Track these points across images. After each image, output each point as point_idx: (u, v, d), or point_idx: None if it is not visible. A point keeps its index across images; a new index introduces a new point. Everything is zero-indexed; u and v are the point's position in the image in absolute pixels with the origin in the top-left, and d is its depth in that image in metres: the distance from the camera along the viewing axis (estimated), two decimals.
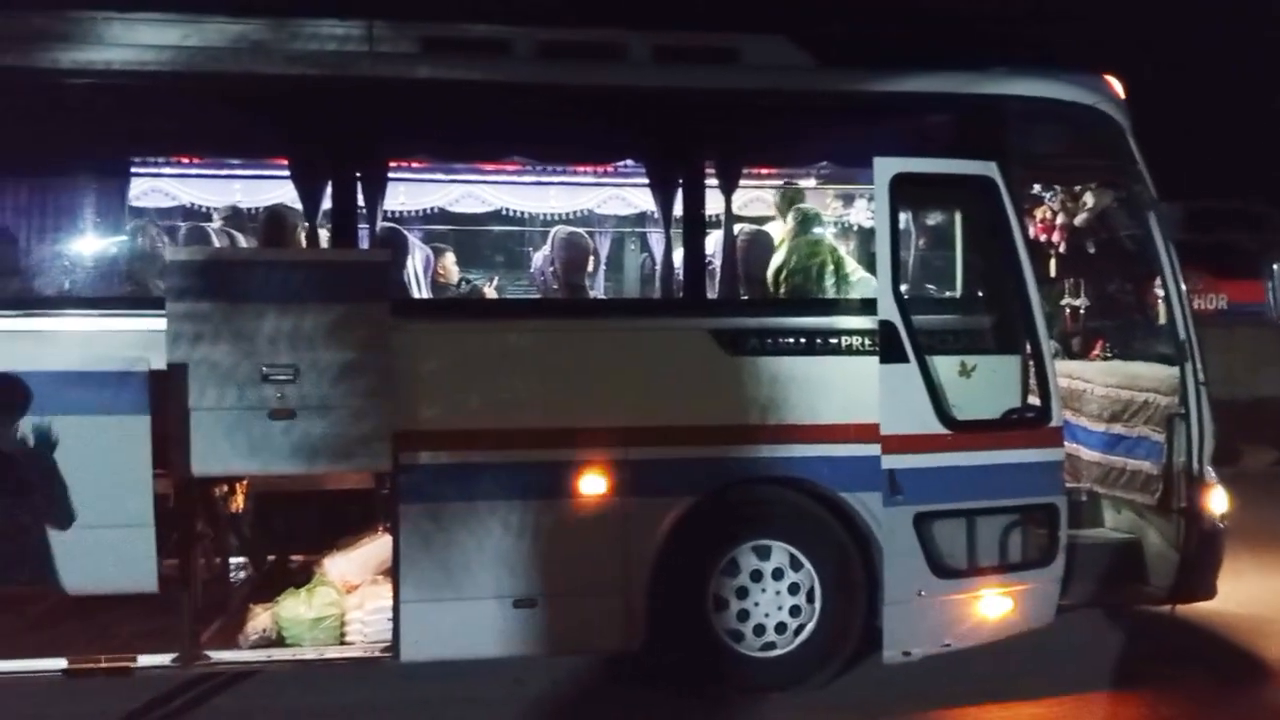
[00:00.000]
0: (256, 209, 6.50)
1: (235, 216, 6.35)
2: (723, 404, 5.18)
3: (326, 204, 5.13)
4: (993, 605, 5.27)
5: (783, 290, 5.70)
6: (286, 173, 5.50)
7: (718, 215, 5.61)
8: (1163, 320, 5.79)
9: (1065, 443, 5.60)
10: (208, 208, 6.57)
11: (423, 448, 4.94)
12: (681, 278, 5.43)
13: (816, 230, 5.91)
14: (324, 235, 5.45)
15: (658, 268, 6.42)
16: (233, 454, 4.63)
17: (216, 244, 5.87)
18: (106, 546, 4.52)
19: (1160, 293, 5.74)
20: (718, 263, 5.61)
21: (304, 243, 5.69)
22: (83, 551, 4.52)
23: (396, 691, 5.30)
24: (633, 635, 5.11)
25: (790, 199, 6.21)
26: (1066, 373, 6.22)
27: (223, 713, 5.06)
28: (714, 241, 5.70)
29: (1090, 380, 6.27)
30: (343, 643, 5.16)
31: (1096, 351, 6.60)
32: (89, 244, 5.11)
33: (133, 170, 5.56)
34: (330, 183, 5.07)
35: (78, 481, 4.51)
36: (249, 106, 4.95)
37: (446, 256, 6.80)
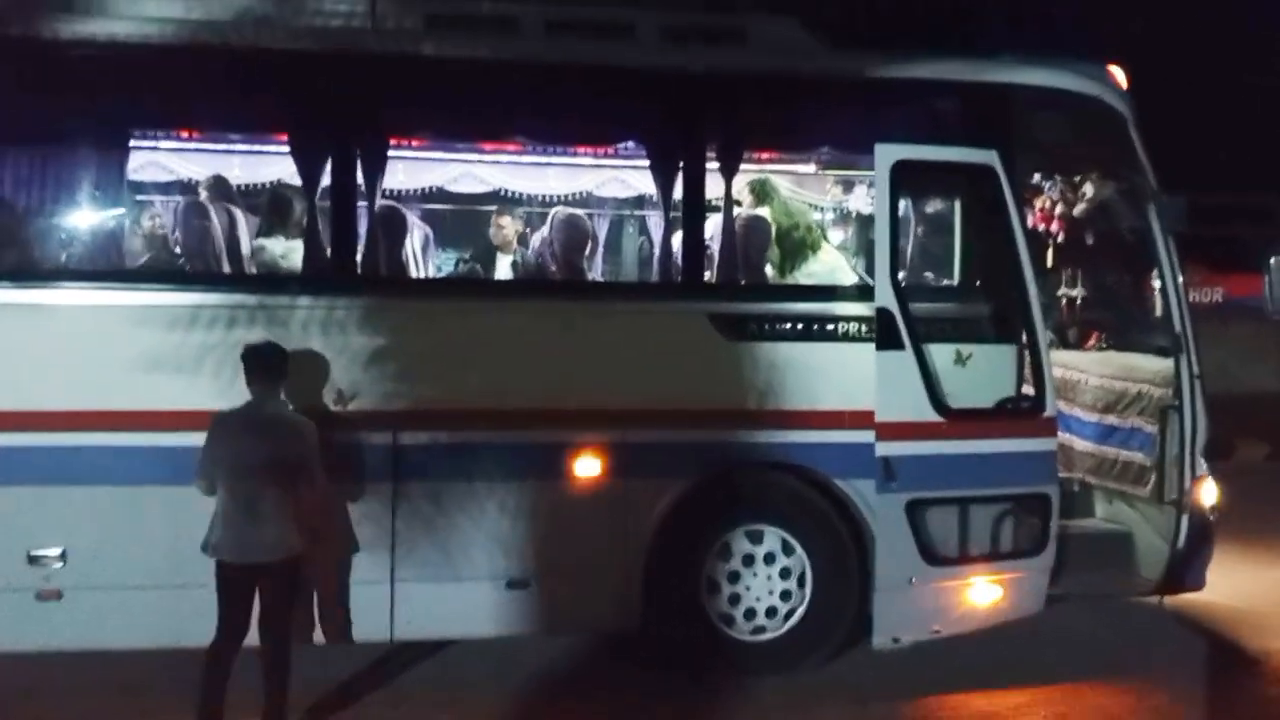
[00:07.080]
0: (250, 185, 6.46)
1: (220, 186, 6.24)
2: (720, 388, 5.19)
3: (325, 181, 5.11)
4: (982, 593, 5.31)
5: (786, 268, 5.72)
6: (285, 149, 5.48)
7: (717, 199, 5.61)
8: (1159, 312, 5.80)
9: (1059, 433, 5.62)
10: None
11: (421, 426, 4.95)
12: (680, 261, 5.43)
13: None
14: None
15: (656, 251, 6.39)
16: None
17: (215, 218, 5.83)
18: None
19: (1157, 284, 5.76)
20: (716, 247, 5.60)
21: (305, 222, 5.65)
22: None
23: (385, 669, 5.33)
24: (627, 616, 5.13)
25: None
26: (1062, 363, 6.23)
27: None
28: (713, 225, 5.70)
29: (1085, 371, 6.29)
30: None
31: (1092, 342, 6.60)
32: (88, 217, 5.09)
33: (131, 144, 5.53)
34: (330, 160, 5.05)
35: None
36: (250, 81, 4.93)
37: (507, 217, 6.60)
